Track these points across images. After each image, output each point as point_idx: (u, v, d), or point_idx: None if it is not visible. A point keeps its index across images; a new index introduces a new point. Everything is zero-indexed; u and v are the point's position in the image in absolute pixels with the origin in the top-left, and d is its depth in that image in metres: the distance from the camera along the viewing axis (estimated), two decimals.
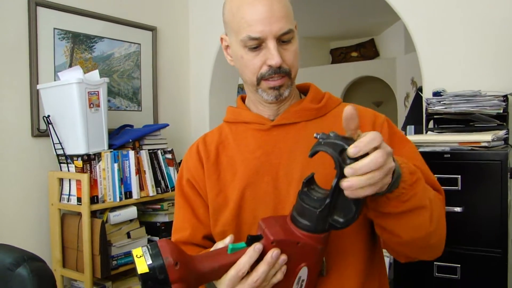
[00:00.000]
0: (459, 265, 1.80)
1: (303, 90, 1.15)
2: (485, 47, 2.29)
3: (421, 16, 2.47)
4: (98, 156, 2.47)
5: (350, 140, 0.75)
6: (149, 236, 2.72)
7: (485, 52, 2.30)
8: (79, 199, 2.41)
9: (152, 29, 3.25)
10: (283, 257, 0.81)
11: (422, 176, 0.87)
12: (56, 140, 2.46)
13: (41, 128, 2.55)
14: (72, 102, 2.37)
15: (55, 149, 2.49)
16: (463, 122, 2.10)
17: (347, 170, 0.71)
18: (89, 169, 2.42)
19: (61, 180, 2.53)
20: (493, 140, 1.79)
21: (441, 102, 2.10)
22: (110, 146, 2.60)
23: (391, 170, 0.75)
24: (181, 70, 3.53)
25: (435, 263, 1.83)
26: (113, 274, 2.50)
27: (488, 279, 1.76)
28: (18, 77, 2.50)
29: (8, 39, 2.46)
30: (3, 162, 2.44)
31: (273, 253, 0.80)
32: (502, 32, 2.25)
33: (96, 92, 2.45)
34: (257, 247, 0.80)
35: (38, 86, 2.50)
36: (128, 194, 2.59)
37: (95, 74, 2.51)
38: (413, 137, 2.03)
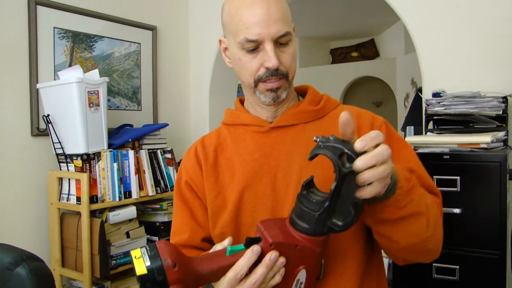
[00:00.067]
0: (458, 267, 1.80)
1: (301, 92, 1.15)
2: (485, 48, 2.29)
3: (421, 17, 2.47)
4: (97, 155, 2.47)
5: (349, 144, 0.75)
6: (148, 236, 2.72)
7: (485, 53, 2.30)
8: (78, 199, 2.41)
9: (152, 28, 3.25)
10: (282, 260, 0.81)
11: (418, 182, 0.88)
12: (55, 140, 2.46)
13: (41, 127, 2.55)
14: (72, 102, 2.37)
15: (54, 149, 2.49)
16: (463, 123, 2.10)
17: (357, 162, 0.72)
18: (88, 168, 2.42)
19: (60, 180, 2.53)
20: (492, 142, 1.79)
21: (441, 103, 2.10)
22: (109, 146, 2.60)
23: (392, 169, 0.76)
24: (181, 69, 3.53)
25: (434, 264, 1.84)
26: (112, 273, 2.50)
27: (486, 280, 1.77)
28: (18, 76, 2.50)
29: (8, 38, 2.46)
30: (2, 161, 2.44)
31: (271, 255, 0.80)
32: (502, 33, 2.25)
33: (96, 92, 2.45)
34: (255, 249, 0.80)
35: (38, 85, 2.50)
36: (127, 193, 2.59)
37: (95, 74, 2.51)
38: (412, 138, 2.03)
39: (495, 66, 2.27)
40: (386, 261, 2.11)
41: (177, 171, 2.34)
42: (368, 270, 1.02)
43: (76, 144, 2.43)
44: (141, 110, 3.19)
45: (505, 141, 1.98)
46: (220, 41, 1.09)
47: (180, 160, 1.21)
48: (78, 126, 2.39)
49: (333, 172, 0.75)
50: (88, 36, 2.84)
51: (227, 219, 1.03)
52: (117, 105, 3.02)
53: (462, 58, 2.36)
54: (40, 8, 2.57)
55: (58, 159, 2.52)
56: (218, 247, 0.86)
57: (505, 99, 2.03)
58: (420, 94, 2.59)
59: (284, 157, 1.03)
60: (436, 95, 2.20)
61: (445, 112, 2.08)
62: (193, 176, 1.10)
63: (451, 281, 1.82)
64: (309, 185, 0.84)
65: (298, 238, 0.81)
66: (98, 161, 2.47)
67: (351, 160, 0.74)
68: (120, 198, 2.54)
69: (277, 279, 0.83)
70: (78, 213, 2.43)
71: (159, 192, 2.77)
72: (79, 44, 2.79)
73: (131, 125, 2.95)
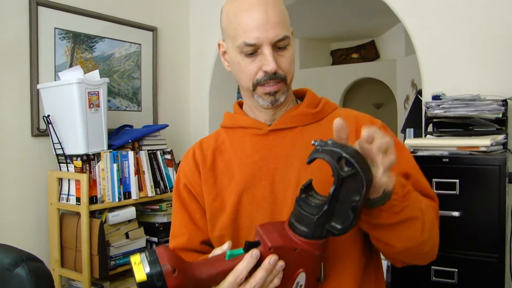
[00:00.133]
0: (456, 270, 1.80)
1: (300, 96, 1.15)
2: (485, 51, 2.30)
3: (421, 19, 2.48)
4: (97, 156, 2.47)
5: (347, 148, 0.75)
6: (148, 237, 2.73)
7: (485, 56, 2.30)
8: (78, 199, 2.42)
9: (152, 29, 3.25)
10: (281, 263, 0.81)
11: (414, 186, 0.90)
12: (55, 140, 2.46)
13: (41, 127, 2.55)
14: (72, 102, 2.37)
15: (54, 149, 2.49)
16: (462, 126, 2.11)
17: (364, 132, 0.75)
18: (88, 169, 2.43)
19: (60, 180, 2.53)
20: (491, 145, 1.79)
21: (440, 106, 2.10)
22: (109, 147, 2.60)
23: (393, 163, 0.78)
24: (181, 70, 3.53)
25: (432, 267, 1.84)
26: (111, 274, 2.51)
27: (485, 284, 1.77)
28: (18, 76, 2.51)
29: (9, 38, 2.46)
30: (2, 161, 2.44)
31: (270, 259, 0.80)
32: (502, 36, 2.25)
33: (96, 92, 2.46)
34: (254, 253, 0.80)
35: (38, 86, 2.51)
36: (127, 194, 2.59)
37: (95, 74, 2.52)
38: (412, 141, 2.03)
39: (495, 68, 2.27)
40: (385, 263, 2.12)
41: (176, 172, 2.35)
42: (367, 272, 1.03)
43: (76, 145, 2.43)
44: (141, 111, 3.19)
45: (504, 145, 1.99)
46: (219, 44, 1.10)
47: (180, 161, 1.21)
48: (78, 126, 2.39)
49: (332, 176, 0.76)
50: (89, 37, 2.84)
51: (225, 221, 1.04)
52: (117, 105, 3.02)
53: (462, 60, 2.36)
54: (41, 9, 2.57)
55: (58, 160, 2.52)
56: (217, 251, 0.86)
57: (505, 102, 2.03)
58: (420, 96, 2.60)
59: (282, 159, 1.04)
60: (435, 97, 2.20)
61: (445, 115, 2.08)
62: (191, 179, 1.11)
63: (449, 284, 1.82)
64: (307, 188, 0.85)
65: (297, 242, 0.82)
66: (98, 161, 2.47)
67: (349, 164, 0.74)
68: (119, 199, 2.54)
69: (276, 282, 0.83)
70: (78, 214, 2.44)
71: (159, 193, 2.77)
72: (80, 45, 2.79)
73: (131, 126, 2.96)
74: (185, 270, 0.77)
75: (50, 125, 2.45)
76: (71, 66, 2.70)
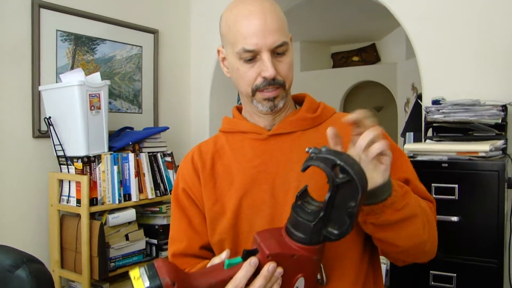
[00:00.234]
0: (455, 274, 1.81)
1: (298, 101, 1.16)
2: (486, 56, 2.30)
3: (421, 24, 2.49)
4: (98, 158, 2.48)
5: (342, 155, 0.77)
6: (147, 239, 2.74)
7: (485, 61, 2.31)
8: (78, 201, 2.42)
9: (154, 32, 3.26)
10: (279, 270, 0.82)
11: (410, 189, 0.94)
12: (56, 142, 2.47)
13: (42, 129, 2.56)
14: (73, 104, 2.38)
15: (55, 151, 2.50)
16: (462, 130, 2.11)
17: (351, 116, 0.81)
18: (89, 171, 2.43)
19: (61, 182, 2.54)
20: (491, 150, 1.80)
21: (440, 111, 2.11)
22: (110, 149, 2.61)
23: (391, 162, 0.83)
24: (182, 73, 3.54)
25: (431, 272, 1.84)
26: (110, 275, 2.51)
27: None
28: (20, 78, 2.52)
29: (11, 40, 2.47)
30: (3, 162, 2.45)
31: (269, 267, 0.81)
32: (503, 41, 2.26)
33: (97, 95, 2.47)
34: (252, 261, 0.81)
35: (40, 88, 2.52)
36: (127, 196, 2.60)
37: (96, 77, 2.52)
38: (411, 146, 2.04)
39: (495, 74, 2.28)
40: (384, 267, 2.12)
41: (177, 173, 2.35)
42: (366, 276, 1.04)
43: (77, 147, 2.44)
44: (141, 113, 3.20)
45: (504, 150, 2.00)
46: (218, 51, 1.11)
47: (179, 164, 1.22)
48: (79, 128, 2.40)
49: (327, 183, 0.77)
50: (90, 39, 2.85)
51: (226, 226, 1.04)
52: (118, 107, 3.03)
53: (462, 65, 2.37)
54: (43, 11, 2.58)
55: (58, 161, 2.53)
56: (216, 260, 0.87)
57: (504, 108, 2.04)
58: (419, 101, 2.60)
59: (282, 164, 1.04)
60: (435, 102, 2.21)
61: (445, 119, 2.09)
62: (190, 184, 1.11)
63: None
64: (303, 195, 0.85)
65: (294, 248, 0.82)
66: (99, 163, 2.48)
67: (344, 171, 0.75)
68: (119, 201, 2.55)
69: None
70: (78, 215, 2.44)
71: (159, 195, 2.78)
72: (81, 47, 2.80)
73: (131, 128, 2.96)
74: (184, 282, 0.77)
75: (51, 127, 2.46)
76: (72, 68, 2.71)
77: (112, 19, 2.97)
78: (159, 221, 2.79)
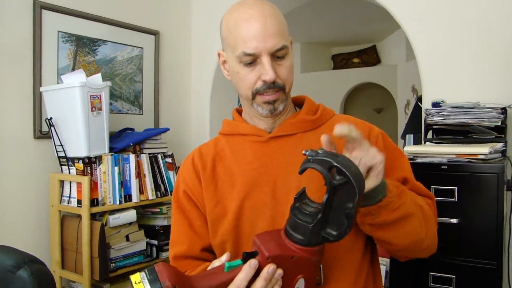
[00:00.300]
0: (454, 276, 1.81)
1: (298, 103, 1.17)
2: (486, 58, 2.31)
3: (422, 26, 2.49)
4: (99, 159, 2.49)
5: (338, 157, 0.78)
6: (148, 239, 2.74)
7: (485, 64, 2.31)
8: (79, 202, 2.43)
9: (154, 33, 3.27)
10: (279, 272, 0.82)
11: (407, 189, 0.97)
12: (57, 143, 2.48)
13: (43, 130, 2.57)
14: (75, 105, 2.39)
15: (56, 151, 2.51)
16: (462, 133, 2.12)
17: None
18: (89, 171, 2.44)
19: (61, 182, 2.54)
20: (490, 153, 1.81)
21: (440, 113, 2.12)
22: (111, 150, 2.61)
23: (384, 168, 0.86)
24: (182, 74, 3.55)
25: (430, 273, 1.85)
26: (111, 276, 2.52)
27: None
28: (21, 79, 2.52)
29: (13, 41, 2.48)
30: (5, 163, 2.46)
31: (269, 269, 0.81)
32: (503, 44, 2.27)
33: (98, 96, 2.48)
34: (252, 263, 0.81)
35: (41, 89, 2.53)
36: (127, 197, 2.61)
37: (97, 78, 2.53)
38: (411, 148, 2.05)
39: (495, 76, 2.28)
40: (383, 268, 2.13)
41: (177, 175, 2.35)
42: (366, 277, 1.05)
43: (78, 148, 2.45)
44: (142, 114, 3.21)
45: (503, 152, 2.00)
46: (219, 54, 1.12)
47: (180, 165, 1.22)
48: (80, 129, 2.41)
49: (324, 185, 0.78)
50: (92, 40, 2.86)
51: (227, 227, 1.05)
52: (119, 108, 3.04)
53: (462, 68, 2.38)
54: (44, 12, 2.59)
55: (60, 162, 2.54)
56: (216, 263, 0.87)
57: (504, 110, 2.05)
58: (419, 103, 2.61)
59: (283, 166, 1.05)
60: (435, 105, 2.21)
61: (444, 122, 2.10)
62: (191, 186, 1.11)
63: None
64: (301, 197, 0.86)
65: (294, 250, 0.83)
66: (100, 164, 2.49)
67: (341, 172, 0.76)
68: (120, 202, 2.56)
69: None
70: (79, 216, 2.45)
71: (159, 196, 2.79)
72: (83, 48, 2.81)
73: (132, 129, 2.97)
74: (185, 285, 0.78)
75: (52, 128, 2.46)
76: (73, 69, 2.72)
77: (113, 21, 2.98)
78: (160, 222, 2.80)
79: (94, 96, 2.45)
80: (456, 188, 1.81)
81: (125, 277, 2.68)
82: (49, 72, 2.63)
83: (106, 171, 2.51)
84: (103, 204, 2.49)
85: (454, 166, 1.84)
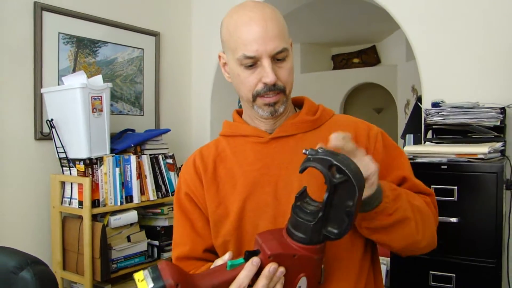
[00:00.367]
0: (454, 275, 1.82)
1: (297, 104, 1.18)
2: (485, 59, 2.32)
3: (421, 26, 2.50)
4: (100, 160, 2.50)
5: (338, 155, 0.79)
6: (149, 240, 2.75)
7: (484, 64, 2.32)
8: (80, 203, 2.44)
9: (155, 34, 3.28)
10: (281, 270, 0.83)
11: (410, 190, 0.99)
12: (58, 144, 2.49)
13: (44, 131, 2.58)
14: (76, 107, 2.40)
15: (57, 153, 2.51)
16: (461, 133, 2.13)
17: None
18: (91, 173, 2.45)
19: (63, 183, 2.55)
20: (489, 152, 1.81)
21: (440, 113, 2.13)
22: (112, 151, 2.62)
23: (377, 175, 0.87)
24: (183, 75, 3.56)
25: (430, 272, 1.86)
26: (112, 277, 2.53)
27: None
28: (22, 80, 2.53)
29: (14, 42, 2.49)
30: (6, 164, 2.47)
31: (271, 267, 0.82)
32: (502, 44, 2.27)
33: (99, 97, 2.48)
34: (255, 261, 0.82)
35: (42, 90, 2.53)
36: (129, 198, 2.62)
37: (98, 79, 2.54)
38: (411, 148, 2.06)
39: (494, 76, 2.29)
40: (384, 268, 2.14)
41: (178, 176, 2.36)
42: (366, 276, 1.06)
43: (79, 149, 2.45)
44: (143, 115, 3.22)
45: (502, 152, 2.01)
46: (219, 56, 1.13)
47: (182, 165, 1.23)
48: (81, 131, 2.42)
49: (324, 184, 0.79)
50: (92, 42, 2.87)
51: (229, 228, 1.06)
52: (119, 110, 3.05)
53: (462, 68, 2.38)
54: (45, 14, 2.60)
55: (61, 163, 2.55)
56: (218, 262, 0.88)
57: (503, 110, 2.05)
58: (419, 104, 2.62)
59: (284, 166, 1.06)
60: (435, 105, 2.22)
61: (444, 122, 2.11)
62: (192, 188, 1.12)
63: None
64: (302, 195, 0.87)
65: (295, 248, 0.84)
66: (101, 165, 2.50)
67: (340, 171, 0.77)
68: (121, 203, 2.57)
69: None
70: (80, 217, 2.46)
71: (160, 196, 2.79)
72: (83, 49, 2.82)
73: (133, 130, 2.98)
74: (188, 283, 0.78)
75: (53, 129, 2.47)
76: (74, 70, 2.73)
77: (113, 22, 2.99)
78: (161, 222, 2.81)
79: (95, 97, 2.46)
80: (455, 187, 1.82)
81: (127, 278, 2.68)
82: (50, 74, 2.63)
83: (107, 172, 2.51)
84: (104, 205, 2.50)
85: (453, 166, 1.85)
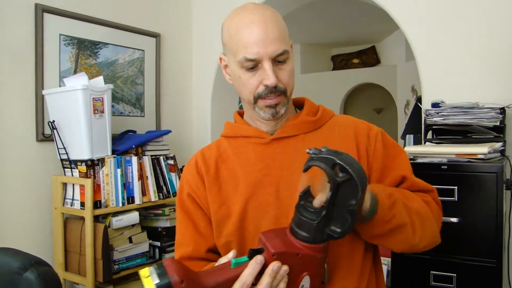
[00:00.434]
0: (455, 275, 1.83)
1: (298, 104, 1.19)
2: (484, 59, 2.33)
3: (421, 27, 2.51)
4: (101, 161, 2.51)
5: (341, 154, 0.80)
6: (151, 241, 2.76)
7: (483, 64, 2.33)
8: (82, 204, 2.45)
9: (155, 35, 3.29)
10: (285, 268, 0.84)
11: (400, 196, 0.99)
12: (60, 145, 2.49)
13: (46, 133, 2.59)
14: (77, 108, 2.40)
15: (59, 154, 2.52)
16: (461, 133, 2.14)
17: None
18: (92, 174, 2.46)
19: (64, 185, 2.56)
20: (489, 153, 1.82)
21: (440, 114, 2.13)
22: (113, 152, 2.63)
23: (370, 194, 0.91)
24: (184, 76, 3.57)
25: (431, 272, 1.87)
26: (114, 278, 2.53)
27: None
28: (24, 82, 2.54)
29: (15, 44, 2.50)
30: (8, 165, 2.47)
31: (274, 265, 0.83)
32: (502, 44, 2.28)
33: (101, 99, 2.49)
34: (258, 259, 0.83)
35: (44, 92, 2.54)
36: (130, 199, 2.62)
37: (99, 81, 2.55)
38: (411, 148, 2.07)
39: (494, 77, 2.30)
40: (385, 268, 2.15)
41: (179, 177, 2.36)
42: (368, 276, 1.07)
43: (80, 150, 2.46)
44: (144, 116, 3.23)
45: (502, 152, 2.02)
46: (220, 58, 1.14)
47: (183, 166, 1.24)
48: (82, 132, 2.42)
49: (328, 182, 0.79)
50: (93, 43, 2.88)
51: (232, 228, 1.07)
52: (120, 111, 3.06)
53: (462, 68, 2.39)
54: (46, 15, 2.61)
55: (62, 165, 2.55)
56: (223, 260, 0.90)
57: (503, 110, 2.06)
58: (419, 104, 2.63)
59: (286, 166, 1.07)
60: (435, 105, 2.23)
61: (444, 122, 2.12)
62: (195, 188, 1.13)
63: None
64: (306, 195, 0.88)
65: (299, 247, 0.85)
66: (102, 167, 2.50)
67: (344, 169, 0.78)
68: (123, 204, 2.57)
69: (282, 286, 0.86)
70: (82, 218, 2.47)
71: (162, 197, 2.80)
72: (84, 51, 2.83)
73: (134, 131, 2.99)
74: (193, 280, 0.80)
75: (55, 131, 2.48)
76: (75, 72, 2.74)
77: (114, 23, 3.00)
78: (162, 223, 2.81)
79: (97, 98, 2.47)
80: (456, 187, 1.83)
81: (128, 278, 2.69)
82: (51, 75, 2.64)
83: (108, 173, 2.52)
84: (106, 206, 2.51)
85: (454, 166, 1.86)
